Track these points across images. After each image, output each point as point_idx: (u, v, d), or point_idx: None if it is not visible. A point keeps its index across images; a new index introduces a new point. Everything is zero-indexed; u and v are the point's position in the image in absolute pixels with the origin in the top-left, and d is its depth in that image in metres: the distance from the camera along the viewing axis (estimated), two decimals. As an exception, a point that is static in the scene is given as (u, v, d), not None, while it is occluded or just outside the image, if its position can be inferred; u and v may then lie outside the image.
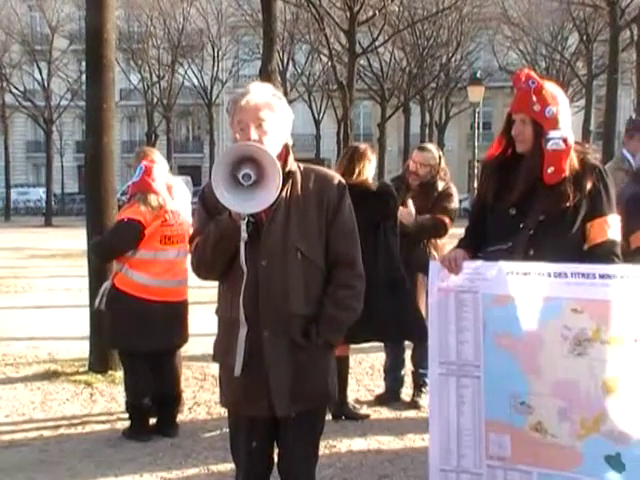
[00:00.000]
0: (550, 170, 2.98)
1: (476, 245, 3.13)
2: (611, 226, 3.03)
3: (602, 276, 2.72)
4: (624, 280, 2.69)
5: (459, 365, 2.88)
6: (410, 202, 5.31)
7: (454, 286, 2.90)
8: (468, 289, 2.87)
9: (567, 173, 2.99)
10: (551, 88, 3.07)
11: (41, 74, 35.83)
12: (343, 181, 2.92)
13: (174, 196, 5.17)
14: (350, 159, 5.14)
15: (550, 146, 2.98)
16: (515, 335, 2.79)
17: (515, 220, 3.04)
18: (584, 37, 30.31)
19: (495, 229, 3.09)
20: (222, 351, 2.87)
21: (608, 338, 2.69)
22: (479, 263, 2.92)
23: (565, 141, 2.99)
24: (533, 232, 2.99)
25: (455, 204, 5.68)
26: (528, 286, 2.79)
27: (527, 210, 3.02)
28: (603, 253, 2.97)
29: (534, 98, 3.00)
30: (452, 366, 2.89)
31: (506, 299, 2.81)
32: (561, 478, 2.77)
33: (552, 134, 2.98)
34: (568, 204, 2.98)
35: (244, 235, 2.65)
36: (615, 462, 2.69)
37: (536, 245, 2.97)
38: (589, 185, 3.01)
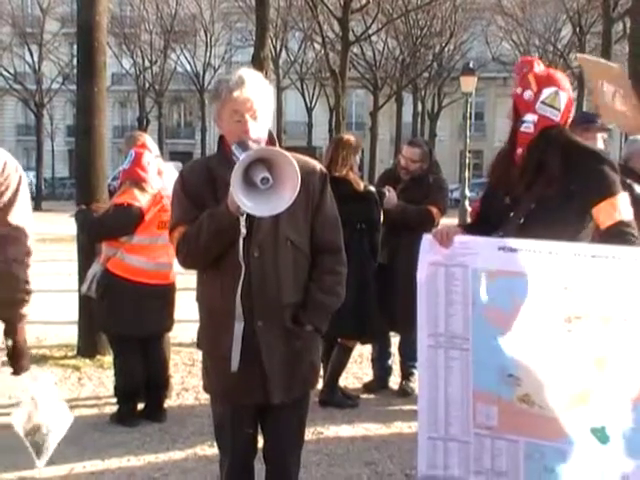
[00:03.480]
0: (519, 151, 3.05)
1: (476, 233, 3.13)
2: (618, 206, 2.91)
3: (594, 256, 2.74)
4: (615, 260, 2.72)
5: (448, 337, 2.92)
6: (391, 189, 5.37)
7: (444, 260, 2.93)
8: (458, 263, 2.90)
9: (554, 157, 2.97)
10: (541, 73, 3.08)
11: (32, 57, 35.59)
12: (324, 170, 2.94)
13: (164, 182, 5.16)
14: (334, 148, 5.24)
15: (522, 129, 3.04)
16: (504, 310, 2.82)
17: (509, 209, 3.07)
18: (577, 29, 30.34)
19: (494, 219, 3.11)
20: (210, 340, 2.87)
21: (598, 316, 2.73)
22: (470, 238, 2.95)
23: (536, 126, 3.03)
24: (523, 221, 2.99)
25: (445, 197, 5.75)
26: (519, 263, 2.82)
27: (520, 199, 3.03)
28: (615, 234, 2.87)
29: (518, 81, 3.07)
30: (440, 338, 2.93)
31: (496, 274, 2.84)
32: (547, 448, 2.83)
33: (526, 117, 3.04)
34: (555, 189, 2.93)
35: (243, 231, 2.64)
36: (600, 434, 2.75)
37: (526, 234, 2.92)
38: (585, 169, 2.94)
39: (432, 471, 3.01)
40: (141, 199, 4.88)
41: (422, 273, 2.97)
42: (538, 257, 2.80)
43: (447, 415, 2.96)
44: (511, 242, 2.87)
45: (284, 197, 2.56)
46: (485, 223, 3.16)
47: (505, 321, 2.83)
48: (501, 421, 2.87)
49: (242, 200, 2.51)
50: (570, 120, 3.11)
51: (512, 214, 3.03)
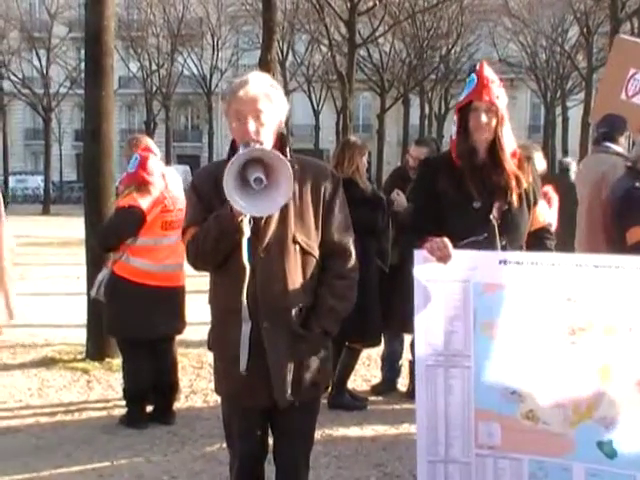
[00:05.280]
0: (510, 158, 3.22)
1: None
2: (543, 211, 3.41)
3: (596, 266, 2.73)
4: (619, 270, 2.71)
5: (447, 356, 2.86)
6: (400, 192, 5.36)
7: (443, 275, 2.87)
8: (459, 278, 2.85)
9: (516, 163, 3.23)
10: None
11: (40, 61, 35.65)
12: (337, 173, 2.96)
13: (169, 184, 5.16)
14: (341, 150, 5.31)
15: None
16: (507, 324, 2.79)
17: (481, 212, 3.14)
18: (584, 29, 30.23)
19: (461, 223, 3.13)
20: (219, 341, 2.88)
21: (602, 327, 2.71)
22: (469, 252, 2.91)
23: None
24: (500, 222, 3.14)
25: None
26: (521, 275, 2.79)
27: (489, 202, 3.15)
28: (542, 235, 3.34)
29: (497, 92, 3.14)
30: (440, 357, 2.87)
31: (498, 288, 2.81)
32: (552, 464, 2.79)
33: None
34: (522, 191, 3.19)
35: (247, 232, 2.66)
36: (607, 448, 2.72)
37: (505, 234, 3.14)
38: (530, 174, 3.27)
39: None
40: (141, 201, 4.88)
41: (419, 291, 2.90)
42: (540, 269, 2.78)
43: (447, 437, 2.90)
44: (512, 255, 2.86)
45: (277, 199, 2.60)
46: (456, 229, 3.11)
47: (508, 336, 2.79)
48: (504, 439, 2.83)
49: (234, 198, 2.56)
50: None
51: (491, 216, 3.13)
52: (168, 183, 5.14)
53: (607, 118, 5.70)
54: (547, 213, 3.45)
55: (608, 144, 5.37)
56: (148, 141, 5.41)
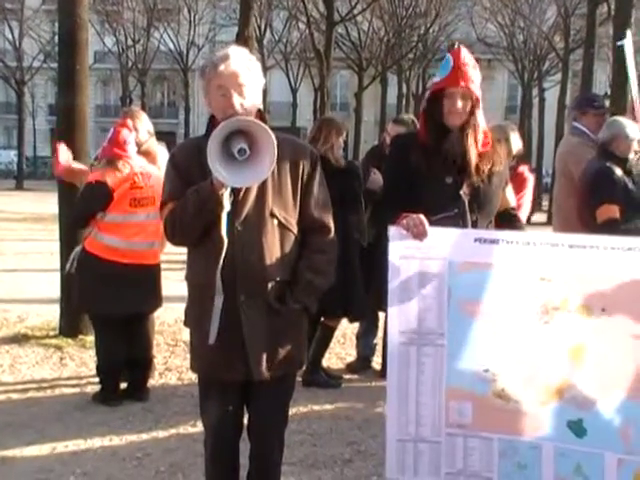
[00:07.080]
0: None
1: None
2: (511, 194, 3.43)
3: (571, 246, 2.74)
4: (593, 250, 2.72)
5: (421, 334, 2.86)
6: (377, 171, 5.35)
7: (419, 252, 2.86)
8: (434, 256, 2.85)
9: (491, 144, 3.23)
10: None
11: (12, 34, 35.05)
12: (315, 151, 2.98)
13: (159, 164, 5.08)
14: (318, 127, 5.26)
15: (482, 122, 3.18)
16: (481, 302, 2.80)
17: (452, 188, 3.15)
18: (562, 11, 30.29)
19: (433, 198, 3.12)
20: (195, 317, 2.88)
21: (575, 307, 2.73)
22: (445, 230, 2.90)
23: None
24: (471, 198, 3.14)
25: None
26: (496, 254, 2.80)
27: (461, 178, 3.15)
28: (510, 216, 3.35)
29: (473, 75, 3.11)
30: (413, 335, 2.87)
31: (474, 266, 2.82)
32: (522, 444, 2.82)
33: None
34: (495, 169, 3.20)
35: (227, 205, 2.66)
36: (577, 427, 2.75)
37: (476, 210, 3.14)
38: (503, 155, 3.28)
39: (401, 475, 2.95)
40: (110, 176, 4.83)
41: (393, 268, 2.88)
42: (515, 248, 2.79)
43: (418, 416, 2.90)
44: (487, 233, 2.88)
45: (261, 169, 2.61)
46: (428, 205, 3.09)
47: (482, 314, 2.80)
48: (475, 418, 2.84)
49: (218, 169, 2.56)
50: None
51: (462, 192, 3.13)
52: (159, 164, 5.08)
53: (577, 97, 5.72)
54: (512, 197, 3.47)
55: (574, 124, 5.41)
56: (141, 116, 5.35)
